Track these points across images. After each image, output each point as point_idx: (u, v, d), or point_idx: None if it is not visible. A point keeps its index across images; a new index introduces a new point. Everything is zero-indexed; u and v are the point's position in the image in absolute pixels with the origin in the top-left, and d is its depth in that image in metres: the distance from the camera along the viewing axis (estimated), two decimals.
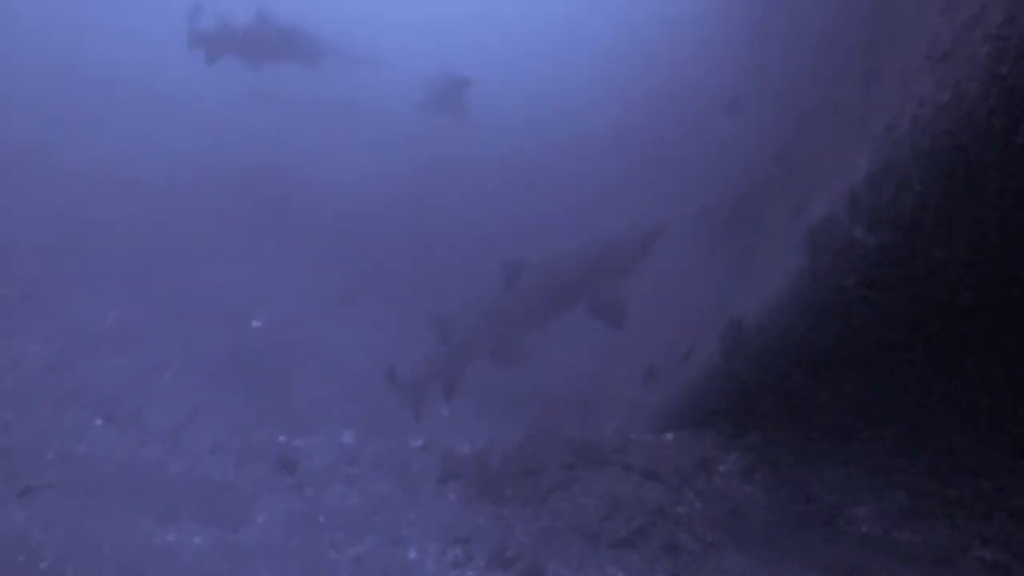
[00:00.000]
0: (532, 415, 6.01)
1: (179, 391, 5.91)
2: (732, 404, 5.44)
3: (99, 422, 5.40)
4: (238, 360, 6.38)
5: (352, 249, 7.81)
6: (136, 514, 4.61)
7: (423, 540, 4.79)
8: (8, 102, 10.04)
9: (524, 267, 5.67)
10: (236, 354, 6.44)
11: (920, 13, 4.59)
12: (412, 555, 4.69)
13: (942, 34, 4.18)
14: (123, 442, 5.24)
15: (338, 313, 7.09)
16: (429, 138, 9.00)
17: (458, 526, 4.88)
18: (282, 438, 5.71)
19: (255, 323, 6.83)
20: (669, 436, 5.50)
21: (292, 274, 7.48)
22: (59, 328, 6.31)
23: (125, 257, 7.44)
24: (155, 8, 12.14)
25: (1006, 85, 3.65)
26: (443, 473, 5.42)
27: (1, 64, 11.03)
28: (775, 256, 5.61)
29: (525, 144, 8.70)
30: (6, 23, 12.31)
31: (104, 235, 7.69)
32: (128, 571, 4.37)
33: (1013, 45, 3.60)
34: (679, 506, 4.90)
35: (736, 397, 5.40)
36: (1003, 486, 4.54)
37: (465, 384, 5.83)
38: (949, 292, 4.44)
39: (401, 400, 5.79)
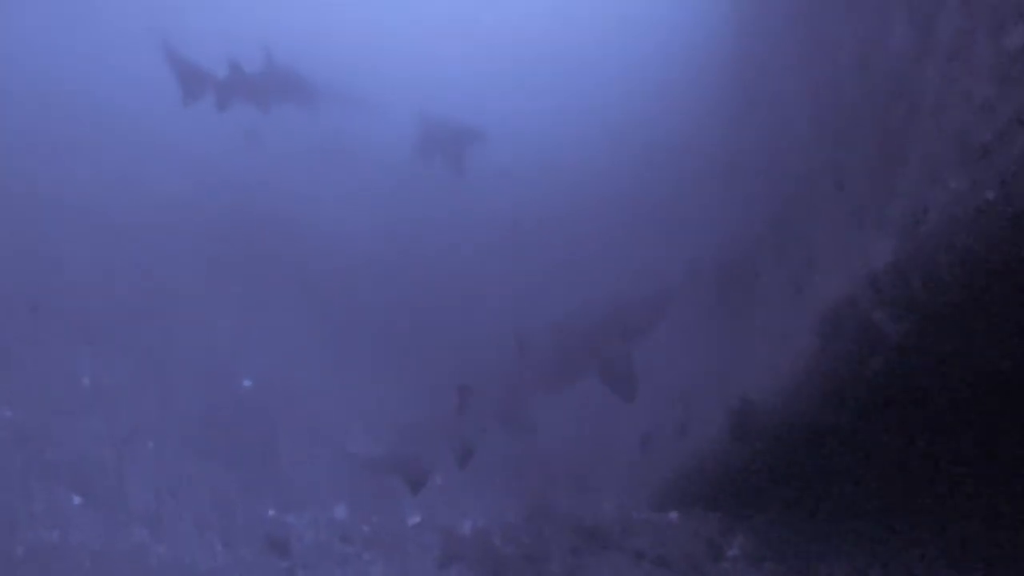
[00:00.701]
0: (530, 488, 5.51)
1: (162, 461, 5.25)
2: (736, 484, 5.05)
3: (76, 501, 4.71)
4: (225, 424, 5.73)
5: (351, 306, 7.16)
6: None
7: None
8: None
9: (536, 332, 5.17)
10: (223, 418, 5.78)
11: (945, 103, 4.27)
12: None
13: (978, 128, 3.84)
14: (101, 525, 4.57)
15: (333, 375, 6.45)
16: (431, 190, 8.37)
17: None
18: (272, 512, 5.11)
19: (246, 383, 6.16)
20: (673, 516, 5.07)
21: (281, 332, 6.81)
22: (29, 389, 5.55)
23: (102, 308, 6.64)
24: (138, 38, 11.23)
25: None
26: (443, 554, 4.90)
27: None
28: (780, 332, 5.23)
29: (530, 198, 8.16)
30: None
31: (79, 283, 6.87)
32: None
33: None
34: None
35: (741, 477, 5.01)
36: None
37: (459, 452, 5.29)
38: (973, 385, 4.11)
39: (388, 469, 5.25)
